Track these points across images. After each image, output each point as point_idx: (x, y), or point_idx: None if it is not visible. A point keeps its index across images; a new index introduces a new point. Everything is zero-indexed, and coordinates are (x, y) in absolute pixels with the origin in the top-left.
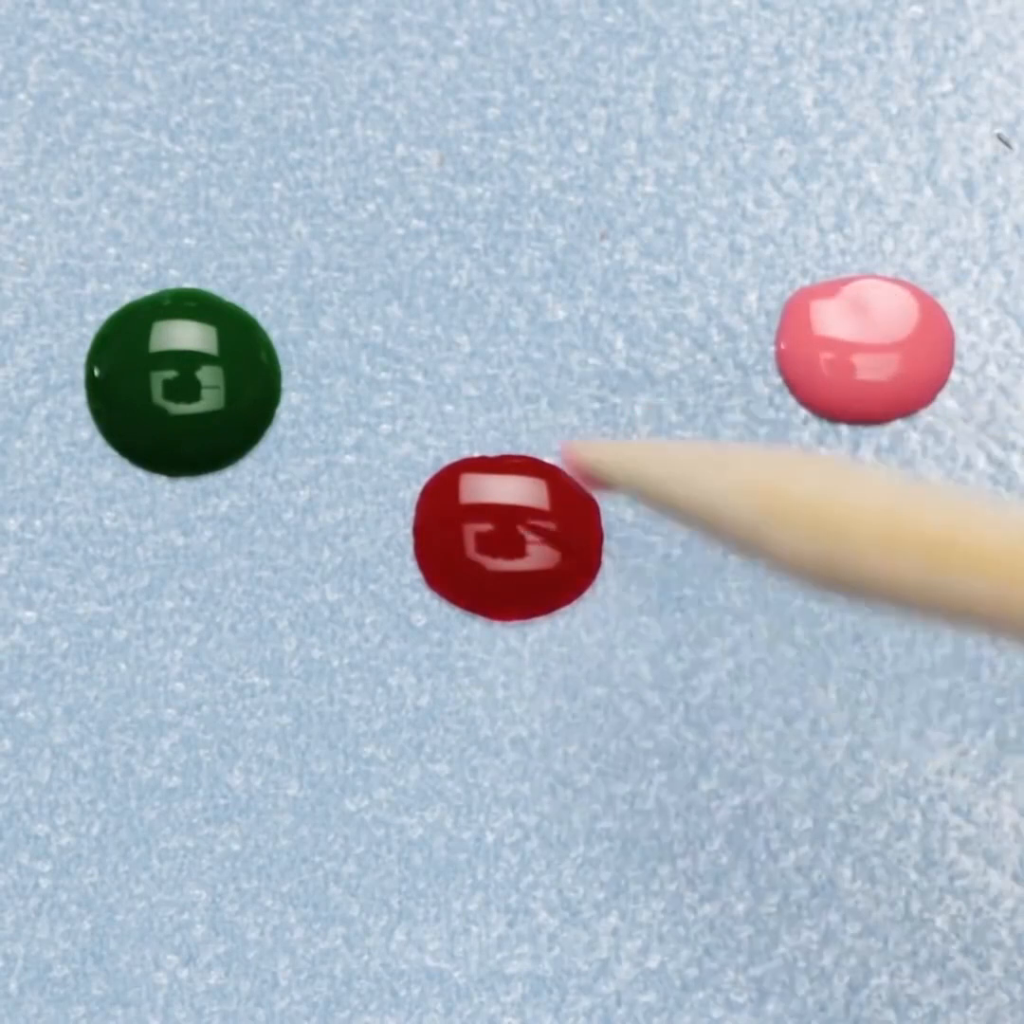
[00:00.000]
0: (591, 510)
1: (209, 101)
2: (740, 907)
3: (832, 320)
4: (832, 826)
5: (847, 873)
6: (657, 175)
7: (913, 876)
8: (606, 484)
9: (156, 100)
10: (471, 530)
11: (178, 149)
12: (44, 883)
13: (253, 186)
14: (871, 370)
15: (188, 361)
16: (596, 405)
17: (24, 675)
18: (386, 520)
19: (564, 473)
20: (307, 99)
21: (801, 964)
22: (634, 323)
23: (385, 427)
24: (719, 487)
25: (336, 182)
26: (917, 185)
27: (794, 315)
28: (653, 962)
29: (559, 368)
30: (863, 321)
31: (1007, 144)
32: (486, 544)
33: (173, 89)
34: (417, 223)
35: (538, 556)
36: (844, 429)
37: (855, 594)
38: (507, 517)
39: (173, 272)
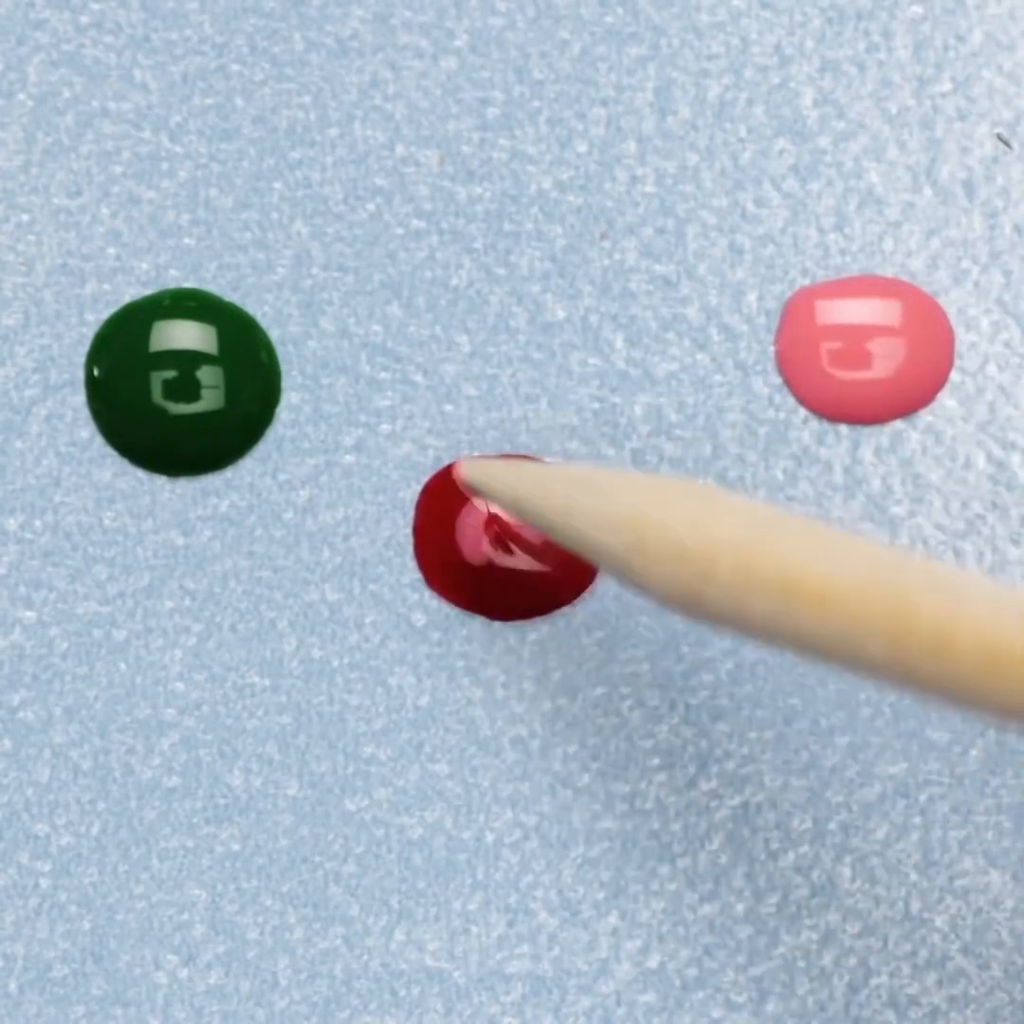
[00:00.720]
0: None
1: (209, 101)
2: (740, 907)
3: (834, 312)
4: (832, 826)
5: (847, 873)
6: (657, 175)
7: (913, 876)
8: (492, 501)
9: (156, 100)
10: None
11: (178, 149)
12: (44, 883)
13: (253, 186)
14: (875, 358)
15: (188, 361)
16: (596, 405)
17: (24, 675)
18: (386, 520)
19: None
20: (307, 99)
21: (801, 964)
22: (634, 323)
23: (385, 427)
24: (591, 514)
25: (336, 182)
26: (917, 185)
27: (794, 315)
28: (653, 962)
29: (559, 368)
30: (865, 311)
31: (1007, 144)
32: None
33: (173, 89)
34: (417, 223)
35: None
36: (844, 429)
37: (719, 625)
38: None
39: (173, 272)
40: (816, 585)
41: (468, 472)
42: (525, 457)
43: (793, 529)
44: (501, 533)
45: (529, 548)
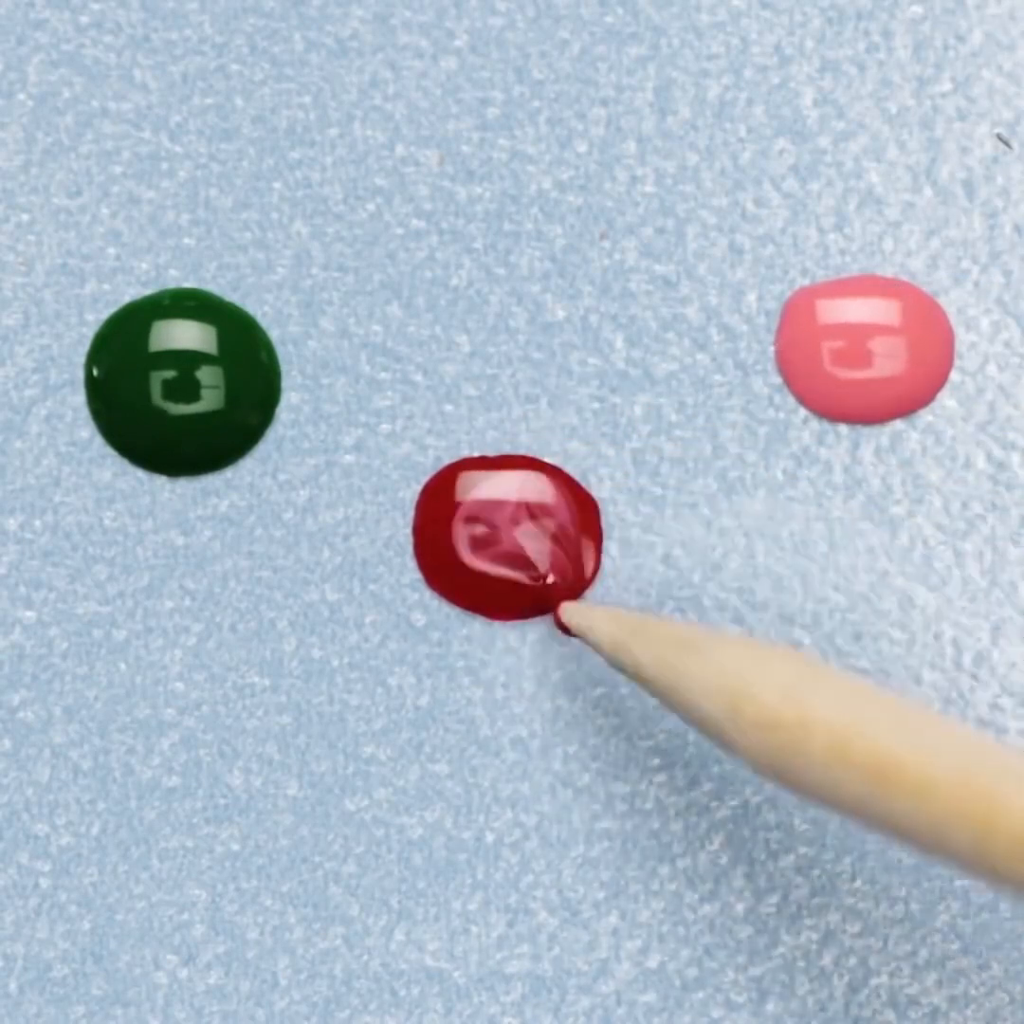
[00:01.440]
0: (591, 510)
1: (209, 101)
2: (740, 907)
3: (835, 312)
4: (832, 826)
5: (847, 873)
6: (657, 175)
7: (913, 876)
8: (591, 647)
9: (156, 100)
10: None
11: (178, 149)
12: (44, 883)
13: (253, 186)
14: (876, 357)
15: (188, 361)
16: (596, 405)
17: (24, 675)
18: (386, 520)
19: (564, 471)
20: (307, 99)
21: (801, 964)
22: (634, 323)
23: (385, 427)
24: (690, 676)
25: (336, 182)
26: (917, 185)
27: (794, 314)
28: (653, 962)
29: (559, 368)
30: (865, 311)
31: (1007, 144)
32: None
33: (173, 89)
34: (417, 223)
35: None
36: (843, 429)
37: (809, 799)
38: None
39: (173, 272)
40: (909, 773)
41: (571, 617)
42: (482, 464)
43: (888, 709)
44: (477, 541)
45: (506, 559)
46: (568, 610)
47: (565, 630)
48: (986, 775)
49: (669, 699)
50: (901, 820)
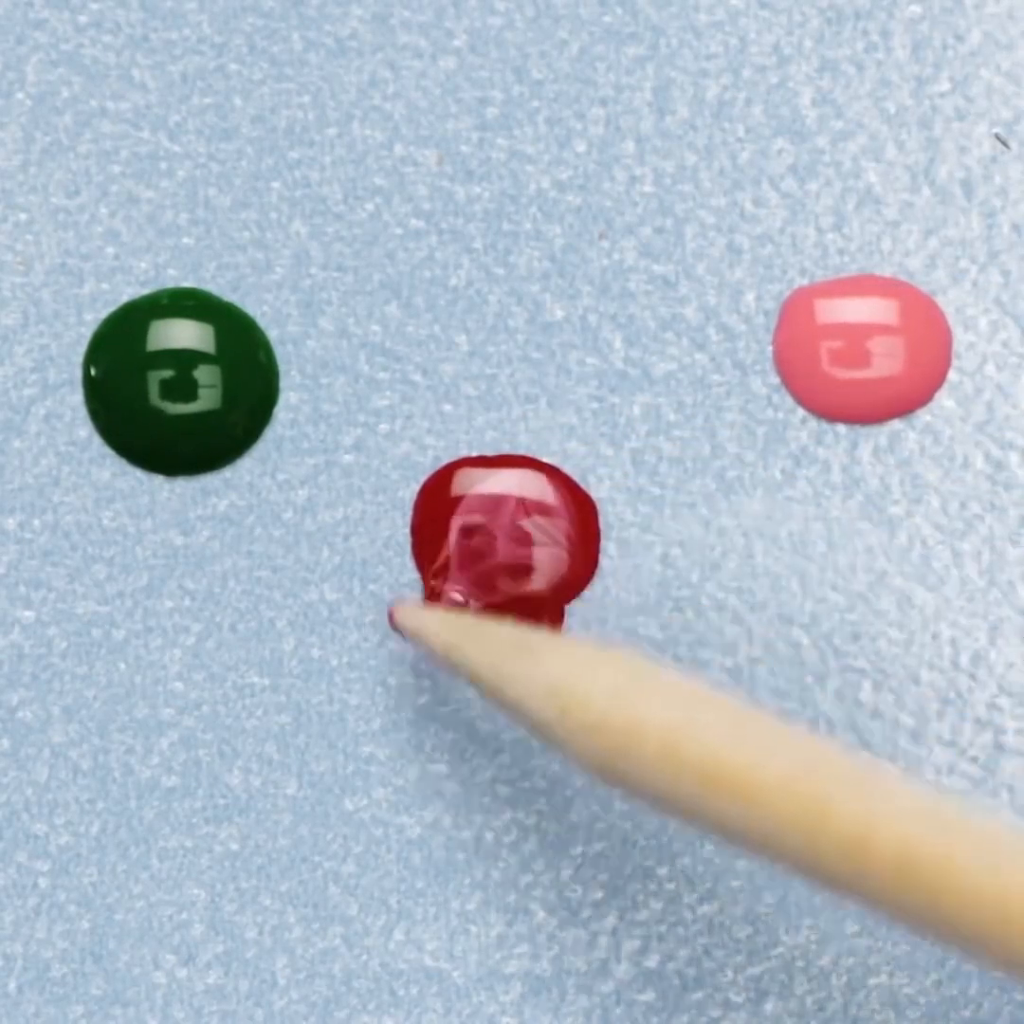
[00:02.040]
0: (590, 510)
1: (208, 101)
2: (738, 907)
3: (833, 311)
4: None
5: None
6: (655, 175)
7: None
8: (425, 650)
9: (155, 100)
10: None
11: (176, 149)
12: (43, 883)
13: (252, 186)
14: (874, 357)
15: (186, 360)
16: (595, 405)
17: (23, 675)
18: (385, 520)
19: (563, 471)
20: (306, 99)
21: (799, 964)
22: (632, 323)
23: (384, 427)
24: (519, 678)
25: (335, 182)
26: (915, 185)
27: (792, 314)
28: (652, 961)
29: (558, 368)
30: (864, 311)
31: (1005, 144)
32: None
33: (172, 89)
34: (416, 223)
35: None
36: (841, 429)
37: (640, 801)
38: None
39: (171, 271)
40: (738, 777)
41: (402, 619)
42: (482, 464)
43: (719, 712)
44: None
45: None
46: (401, 612)
47: (400, 632)
48: (816, 778)
49: (501, 703)
50: (732, 823)
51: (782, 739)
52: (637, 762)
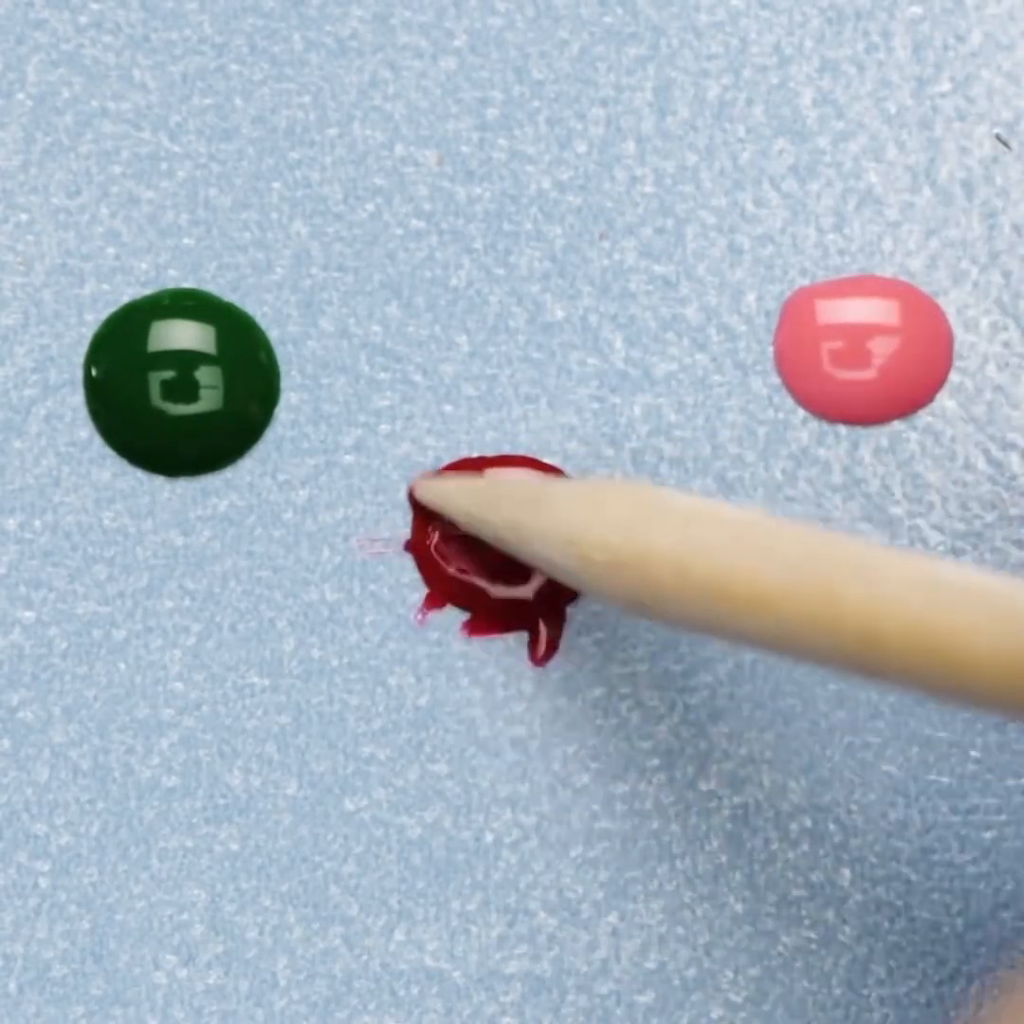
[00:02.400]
0: None
1: (208, 101)
2: (739, 907)
3: (834, 312)
4: (831, 826)
5: (846, 873)
6: (656, 175)
7: (913, 876)
8: (450, 520)
9: (155, 100)
10: None
11: (177, 149)
12: (43, 883)
13: (252, 186)
14: (875, 358)
15: (186, 361)
16: (595, 405)
17: (23, 675)
18: (386, 520)
19: (562, 472)
20: (306, 99)
21: (800, 964)
22: (633, 323)
23: (384, 427)
24: (537, 532)
25: (335, 182)
26: (916, 185)
27: (793, 315)
28: (652, 962)
29: (558, 368)
30: (865, 311)
31: (1006, 144)
32: None
33: (172, 89)
34: (416, 223)
35: None
36: (842, 429)
37: (671, 626)
38: None
39: (172, 272)
40: (746, 588)
41: (421, 492)
42: (481, 464)
43: (726, 527)
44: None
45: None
46: (421, 487)
47: (420, 508)
48: (822, 572)
49: (526, 558)
50: (750, 632)
51: (788, 541)
52: (655, 590)
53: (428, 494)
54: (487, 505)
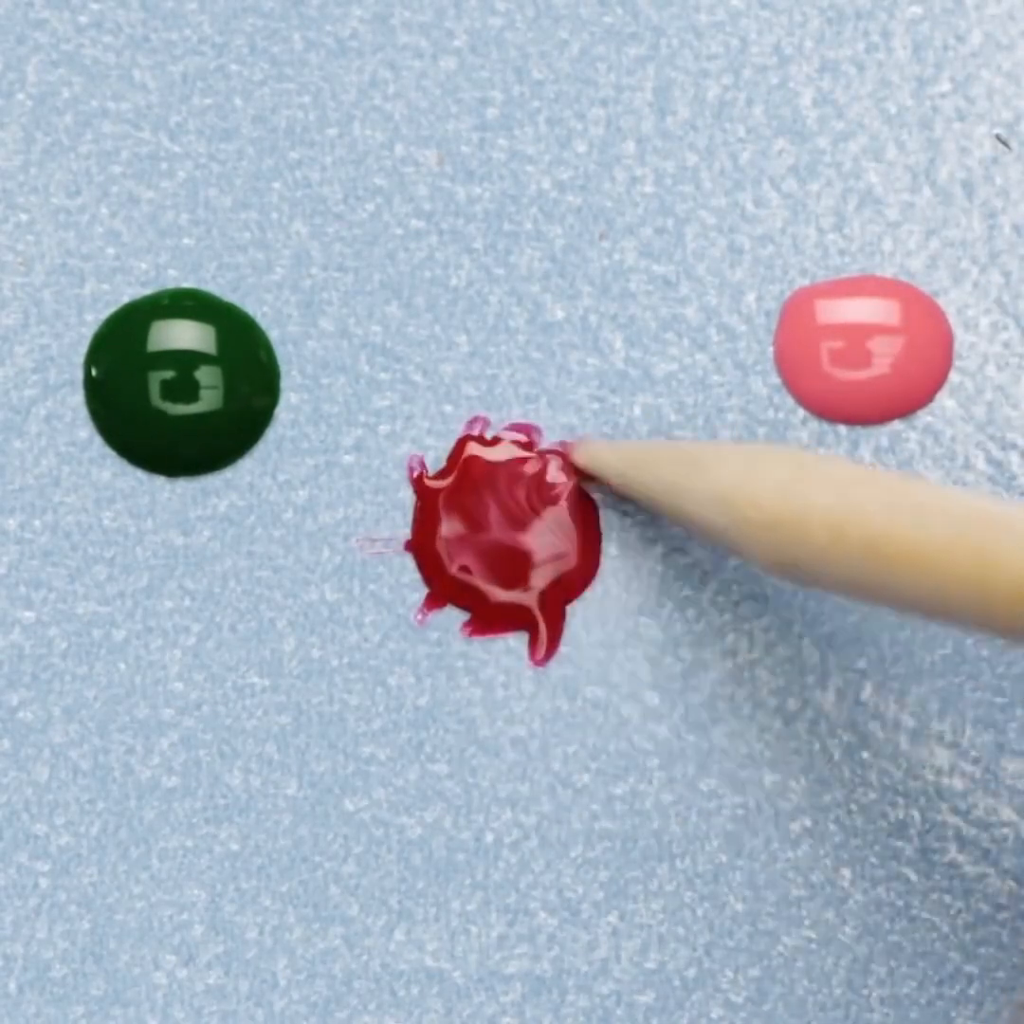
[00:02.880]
0: (591, 510)
1: (208, 101)
2: (739, 907)
3: (834, 312)
4: (831, 826)
5: (846, 873)
6: (656, 175)
7: (912, 876)
8: (602, 482)
9: (155, 100)
10: None
11: (177, 149)
12: (43, 883)
13: (252, 186)
14: (875, 357)
15: (187, 361)
16: (595, 405)
17: (23, 675)
18: (386, 520)
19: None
20: (306, 99)
21: (800, 964)
22: (633, 323)
23: (384, 427)
24: (692, 493)
25: (335, 182)
26: (916, 185)
27: (793, 314)
28: (652, 962)
29: (558, 368)
30: (865, 311)
31: (1006, 144)
32: None
33: (172, 89)
34: (416, 223)
35: None
36: (842, 429)
37: (820, 587)
38: None
39: (172, 272)
40: (903, 547)
41: (578, 456)
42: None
43: (882, 489)
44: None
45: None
46: (578, 449)
47: (578, 473)
48: (977, 534)
49: (678, 518)
50: (903, 594)
51: (944, 503)
52: (809, 551)
53: (584, 457)
54: (643, 466)
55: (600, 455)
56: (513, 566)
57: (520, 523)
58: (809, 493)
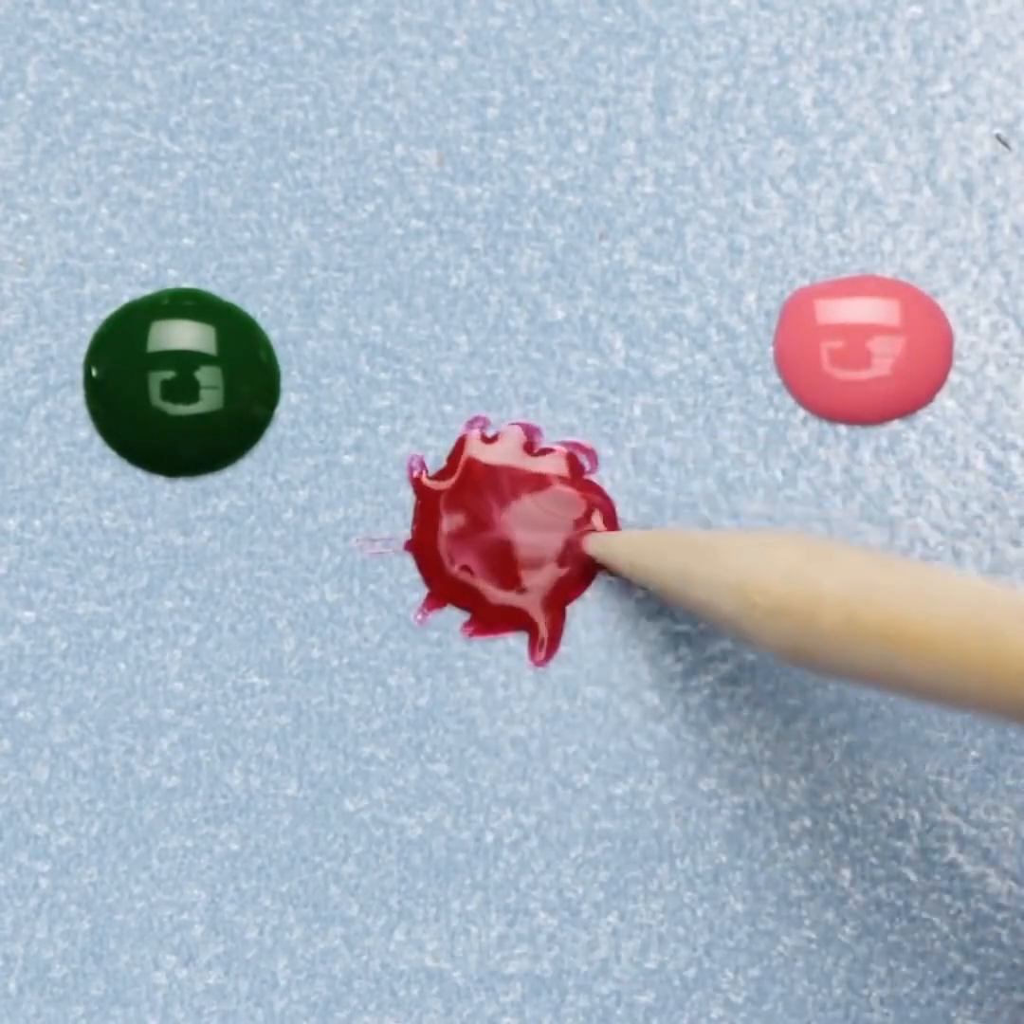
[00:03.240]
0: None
1: (208, 101)
2: (739, 907)
3: (834, 312)
4: (831, 826)
5: (846, 873)
6: (656, 175)
7: (912, 876)
8: (617, 572)
9: (155, 100)
10: None
11: (177, 149)
12: (43, 883)
13: (252, 186)
14: (875, 358)
15: (187, 361)
16: (595, 405)
17: (24, 675)
18: (386, 520)
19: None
20: (307, 99)
21: (800, 964)
22: (633, 323)
23: (384, 427)
24: (703, 580)
25: (335, 182)
26: (916, 185)
27: (793, 315)
28: (652, 962)
29: (558, 368)
30: (865, 311)
31: (1006, 144)
32: None
33: (172, 89)
34: (416, 223)
35: None
36: (842, 429)
37: (832, 674)
38: None
39: (172, 272)
40: (916, 632)
41: (592, 547)
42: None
43: (893, 574)
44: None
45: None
46: (592, 541)
47: (592, 561)
48: (986, 617)
49: (689, 605)
50: (914, 678)
51: (956, 589)
52: (819, 636)
53: (596, 547)
54: (654, 554)
55: (611, 545)
56: (514, 566)
57: (522, 522)
58: (819, 578)
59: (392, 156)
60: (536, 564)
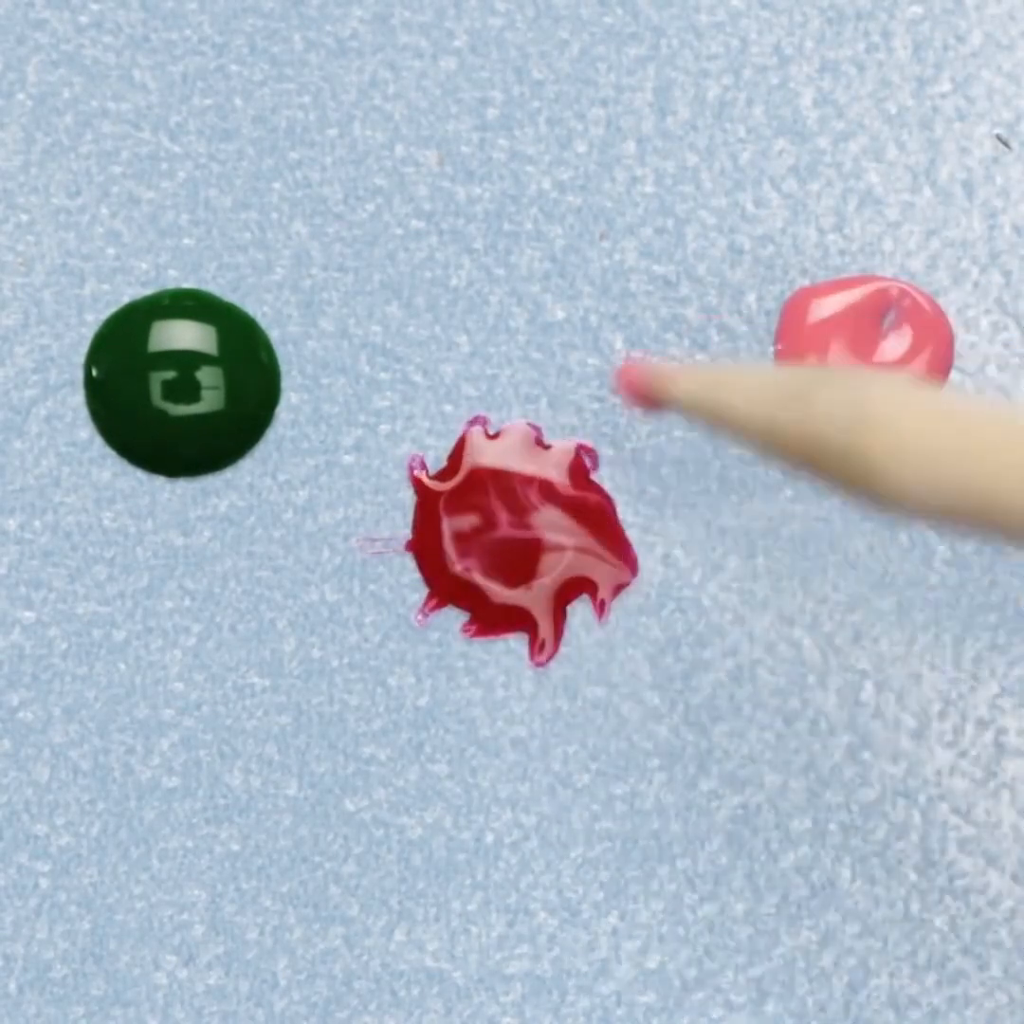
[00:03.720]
0: (591, 511)
1: (208, 101)
2: (739, 907)
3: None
4: (832, 826)
5: (846, 873)
6: (656, 175)
7: (913, 876)
8: (663, 405)
9: (155, 100)
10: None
11: (177, 149)
12: (44, 883)
13: (252, 186)
14: (876, 356)
15: (188, 361)
16: (596, 405)
17: (24, 675)
18: (386, 520)
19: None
20: (307, 99)
21: (800, 964)
22: (633, 323)
23: (385, 427)
24: (811, 421)
25: (336, 182)
26: (916, 185)
27: (793, 315)
28: (652, 962)
29: (559, 368)
30: (864, 324)
31: (1006, 144)
32: None
33: (172, 89)
34: (417, 223)
35: None
36: None
37: (979, 526)
38: None
39: (172, 272)
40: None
41: (643, 375)
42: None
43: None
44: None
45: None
46: (633, 367)
47: (642, 403)
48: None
49: (777, 451)
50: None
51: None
52: (990, 479)
53: (646, 374)
54: (732, 395)
55: (673, 375)
56: (517, 566)
57: (524, 521)
58: (991, 423)
59: (392, 156)
60: (540, 564)
